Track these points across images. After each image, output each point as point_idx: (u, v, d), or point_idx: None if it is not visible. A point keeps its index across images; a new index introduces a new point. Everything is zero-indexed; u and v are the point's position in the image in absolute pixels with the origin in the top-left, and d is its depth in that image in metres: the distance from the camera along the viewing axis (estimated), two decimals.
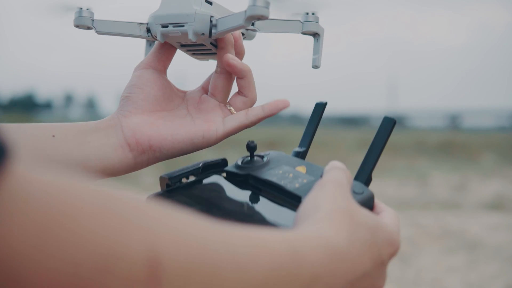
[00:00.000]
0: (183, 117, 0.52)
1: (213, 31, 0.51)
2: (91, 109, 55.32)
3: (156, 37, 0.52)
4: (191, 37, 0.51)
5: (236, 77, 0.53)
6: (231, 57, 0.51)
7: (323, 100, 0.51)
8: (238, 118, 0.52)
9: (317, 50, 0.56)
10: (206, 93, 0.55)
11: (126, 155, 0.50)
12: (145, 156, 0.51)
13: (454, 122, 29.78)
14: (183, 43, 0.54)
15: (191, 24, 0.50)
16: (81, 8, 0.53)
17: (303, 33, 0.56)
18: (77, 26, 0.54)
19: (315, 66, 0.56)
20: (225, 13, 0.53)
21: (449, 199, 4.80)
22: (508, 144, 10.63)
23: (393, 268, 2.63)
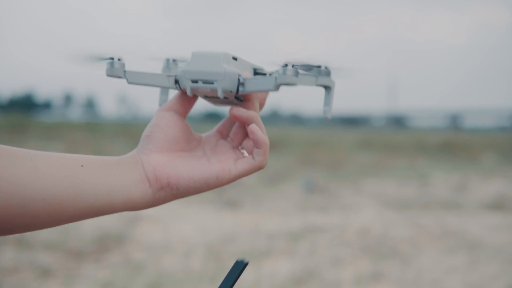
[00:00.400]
0: (199, 158, 0.56)
1: (240, 89, 0.54)
2: (90, 109, 55.33)
3: (185, 89, 0.56)
4: (220, 95, 0.54)
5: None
6: (235, 109, 0.54)
7: (244, 259, 0.50)
8: (248, 161, 0.55)
9: (327, 102, 0.59)
10: (221, 136, 0.59)
11: (146, 190, 0.52)
12: (163, 193, 0.54)
13: (454, 122, 29.76)
14: (209, 96, 0.58)
15: (221, 82, 0.54)
16: (113, 59, 0.56)
17: (317, 85, 0.59)
18: (109, 76, 0.57)
19: (325, 117, 0.58)
20: (247, 67, 0.58)
21: (449, 199, 4.80)
22: (509, 144, 10.62)
23: (393, 268, 2.63)
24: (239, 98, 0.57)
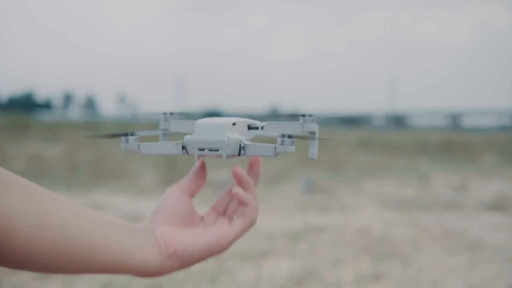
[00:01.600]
0: (201, 229, 0.62)
1: (241, 152, 0.63)
2: (90, 109, 55.31)
3: (192, 154, 0.65)
4: (224, 159, 0.63)
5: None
6: (235, 189, 0.61)
7: None
8: (241, 221, 0.62)
9: (313, 145, 0.67)
10: (218, 214, 0.66)
11: (157, 256, 0.57)
12: (170, 261, 0.58)
13: (455, 121, 29.74)
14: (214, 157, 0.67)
15: (225, 149, 0.62)
16: (127, 135, 0.66)
17: (303, 132, 0.68)
18: (124, 149, 0.66)
19: (312, 158, 0.67)
20: (243, 126, 0.67)
21: (450, 199, 4.80)
22: (510, 144, 10.61)
23: (393, 269, 2.62)
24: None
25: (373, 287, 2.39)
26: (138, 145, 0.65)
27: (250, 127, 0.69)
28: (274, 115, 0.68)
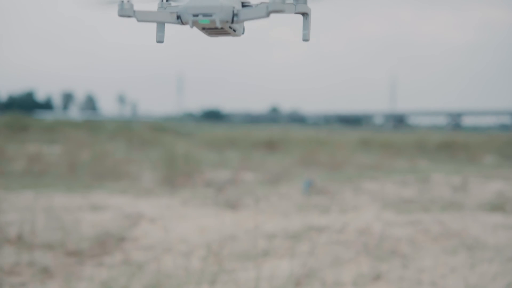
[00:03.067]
0: None
1: (235, 19, 0.64)
2: (90, 108, 55.27)
3: (187, 23, 0.65)
4: (218, 25, 0.64)
5: None
6: None
7: None
8: None
9: (306, 26, 0.68)
10: None
11: None
12: None
13: (455, 121, 29.70)
14: (206, 27, 0.68)
15: (218, 14, 0.63)
16: (123, 1, 0.66)
17: (296, 13, 0.68)
18: (121, 15, 0.66)
19: (305, 40, 0.68)
20: (237, 2, 0.67)
21: (449, 199, 4.80)
22: (510, 145, 10.60)
23: (393, 269, 2.62)
24: (233, 28, 0.68)
25: (373, 287, 2.39)
26: (134, 11, 0.67)
27: (244, 5, 0.69)
28: None
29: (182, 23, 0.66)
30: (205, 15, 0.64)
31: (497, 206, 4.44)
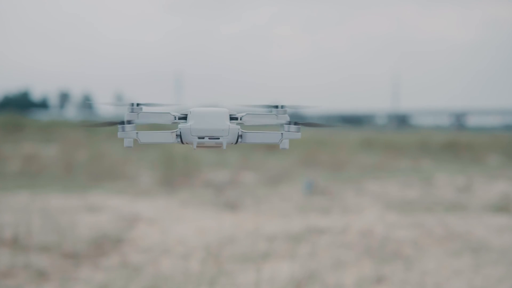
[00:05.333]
0: None
1: (239, 140, 0.66)
2: (87, 109, 55.36)
3: (189, 144, 0.66)
4: (224, 147, 0.66)
5: None
6: None
7: None
8: None
9: (286, 136, 0.70)
10: None
11: None
12: None
13: (459, 121, 29.69)
14: (210, 146, 0.69)
15: (226, 137, 0.65)
16: (123, 123, 0.69)
17: (277, 122, 0.71)
18: (122, 137, 0.69)
19: (284, 148, 0.70)
20: (228, 117, 0.68)
21: (453, 200, 4.75)
22: None
23: (396, 271, 2.58)
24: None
25: None
26: (137, 133, 0.68)
27: (231, 117, 0.71)
28: (249, 106, 0.78)
29: (182, 142, 0.67)
30: (211, 138, 0.65)
31: (502, 207, 4.39)
